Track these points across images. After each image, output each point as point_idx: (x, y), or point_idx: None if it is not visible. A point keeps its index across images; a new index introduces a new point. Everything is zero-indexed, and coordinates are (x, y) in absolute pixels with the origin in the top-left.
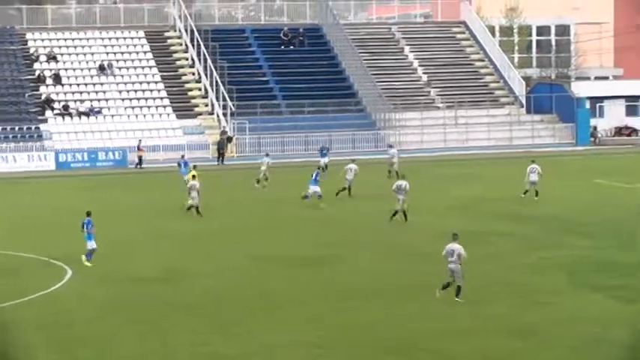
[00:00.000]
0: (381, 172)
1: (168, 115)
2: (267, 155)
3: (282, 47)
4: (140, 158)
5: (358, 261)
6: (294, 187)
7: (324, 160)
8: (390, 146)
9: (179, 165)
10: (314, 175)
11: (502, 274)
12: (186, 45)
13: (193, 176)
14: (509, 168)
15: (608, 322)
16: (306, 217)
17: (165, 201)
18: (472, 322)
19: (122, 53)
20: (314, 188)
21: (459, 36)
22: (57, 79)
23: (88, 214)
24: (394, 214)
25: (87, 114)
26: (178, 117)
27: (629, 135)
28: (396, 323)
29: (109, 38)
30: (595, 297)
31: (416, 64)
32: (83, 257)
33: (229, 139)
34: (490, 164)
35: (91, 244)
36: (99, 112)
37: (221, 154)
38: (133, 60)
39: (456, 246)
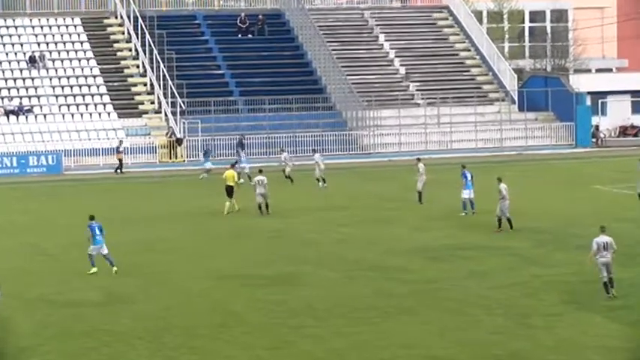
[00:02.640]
0: (353, 178)
1: (109, 114)
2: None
3: (239, 36)
4: (120, 162)
5: (321, 279)
6: (250, 197)
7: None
8: (314, 150)
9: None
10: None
11: (489, 294)
12: (128, 33)
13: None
14: (500, 174)
15: (609, 348)
16: (260, 230)
17: (109, 211)
18: (454, 350)
19: (55, 43)
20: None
21: (441, 22)
22: None
23: (92, 218)
24: None
25: (15, 113)
26: (120, 116)
27: (635, 135)
28: (367, 350)
29: (41, 26)
30: (594, 319)
31: (392, 54)
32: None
33: (179, 141)
34: (477, 169)
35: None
36: (29, 110)
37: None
38: (68, 51)
39: (606, 238)
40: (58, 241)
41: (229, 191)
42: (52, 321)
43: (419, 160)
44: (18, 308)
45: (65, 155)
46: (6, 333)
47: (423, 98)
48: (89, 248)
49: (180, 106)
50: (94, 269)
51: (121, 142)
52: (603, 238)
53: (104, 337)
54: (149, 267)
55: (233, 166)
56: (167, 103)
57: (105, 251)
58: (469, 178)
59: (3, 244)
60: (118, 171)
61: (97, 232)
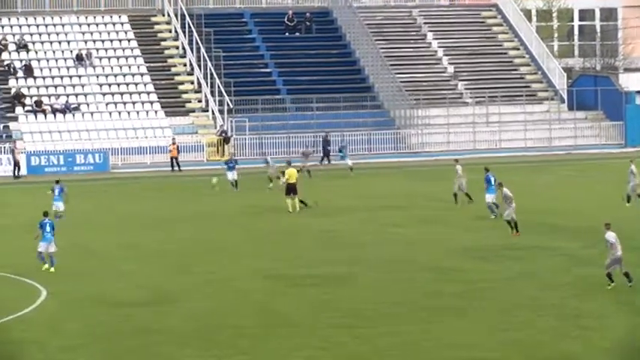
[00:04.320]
0: (401, 178)
1: (156, 112)
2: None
3: (287, 34)
4: (174, 159)
5: (371, 280)
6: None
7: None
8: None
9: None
10: None
11: (539, 295)
12: (176, 31)
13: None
14: (548, 174)
15: None
16: (309, 229)
17: (154, 212)
18: (503, 351)
19: (103, 41)
20: None
21: (490, 21)
22: (28, 71)
23: (45, 214)
24: None
25: (63, 111)
26: (167, 114)
27: None
28: (415, 350)
29: (88, 24)
30: None
31: (441, 53)
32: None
33: (226, 140)
34: (526, 169)
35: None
36: (76, 108)
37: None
38: (115, 49)
39: (613, 234)
40: (105, 240)
41: (292, 189)
42: (100, 320)
43: (457, 161)
44: (65, 308)
45: (112, 153)
46: (53, 333)
47: (471, 97)
48: (38, 245)
49: (228, 105)
50: (45, 266)
51: (174, 138)
52: (612, 234)
53: (152, 336)
54: (197, 266)
55: (290, 163)
56: (214, 101)
57: (52, 249)
58: (492, 181)
59: None
60: (175, 169)
61: (48, 229)
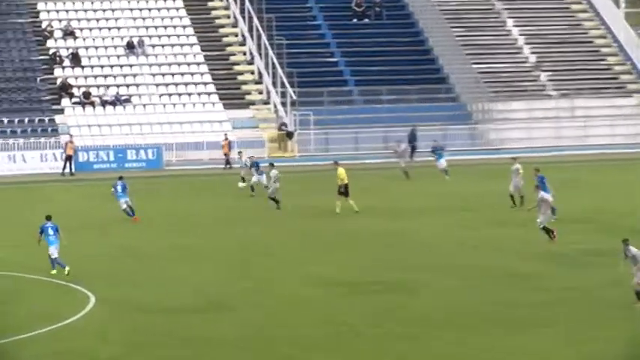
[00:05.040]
0: (477, 176)
1: (213, 104)
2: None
3: (354, 20)
4: (227, 156)
5: (441, 287)
6: (368, 195)
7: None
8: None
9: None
10: None
11: (622, 304)
12: (234, 17)
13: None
14: (637, 173)
15: None
16: (372, 232)
17: (208, 212)
18: None
19: (156, 27)
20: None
21: (574, 7)
22: (75, 59)
23: (48, 218)
24: None
25: (113, 103)
26: (226, 107)
27: None
28: None
29: (140, 9)
30: None
31: (521, 41)
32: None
33: (289, 135)
34: (614, 167)
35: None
36: (127, 100)
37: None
38: (169, 36)
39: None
40: (157, 242)
41: (343, 190)
42: (147, 328)
43: (515, 159)
44: (114, 315)
45: (166, 149)
46: (102, 342)
47: (554, 89)
48: (49, 250)
49: (291, 97)
50: (54, 271)
51: (226, 135)
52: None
53: (202, 346)
54: (251, 271)
55: (337, 163)
56: (276, 93)
57: (54, 254)
58: (545, 182)
59: (96, 245)
60: (227, 166)
61: (51, 232)
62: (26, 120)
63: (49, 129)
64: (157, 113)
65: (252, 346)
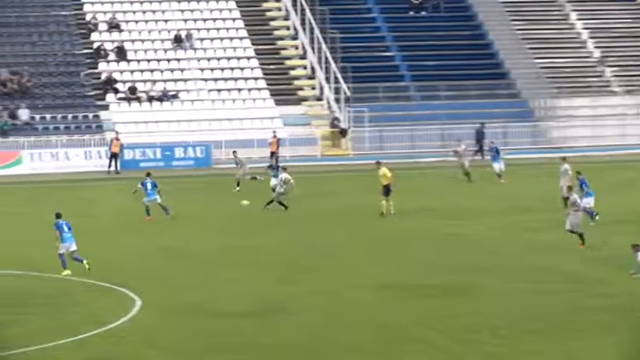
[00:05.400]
0: (540, 176)
1: (264, 100)
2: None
3: (411, 13)
4: (273, 154)
5: (504, 291)
6: (425, 195)
7: (498, 166)
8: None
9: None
10: None
11: None
12: (286, 10)
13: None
14: None
15: None
16: (431, 233)
17: (259, 212)
18: None
19: (204, 20)
20: None
21: None
22: (121, 53)
23: (58, 216)
24: None
25: (160, 99)
26: (277, 103)
27: None
28: None
29: (188, 1)
30: None
31: (585, 35)
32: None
33: (343, 132)
34: None
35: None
36: (175, 96)
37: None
38: (218, 29)
39: None
40: (204, 243)
41: (386, 191)
42: (200, 333)
43: (564, 159)
44: (162, 319)
45: (215, 147)
46: (149, 347)
47: (620, 85)
48: (59, 247)
49: (345, 93)
50: (67, 271)
51: (274, 132)
52: None
53: (256, 351)
54: (305, 273)
55: (378, 163)
56: (330, 88)
57: (73, 248)
58: (587, 185)
59: (142, 246)
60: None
61: (66, 229)
62: (70, 116)
63: (94, 125)
64: (206, 109)
65: (308, 352)
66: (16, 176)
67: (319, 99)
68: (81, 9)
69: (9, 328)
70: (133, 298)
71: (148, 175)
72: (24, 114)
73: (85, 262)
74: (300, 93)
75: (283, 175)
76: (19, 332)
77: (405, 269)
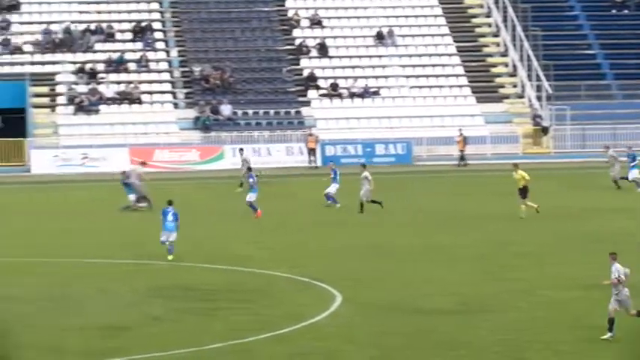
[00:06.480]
0: None
1: (465, 97)
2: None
3: (614, 11)
4: (462, 153)
5: None
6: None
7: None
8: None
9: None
10: None
11: None
12: (488, 7)
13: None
14: None
15: None
16: (632, 235)
17: (460, 210)
18: None
19: (406, 17)
20: None
21: None
22: (323, 50)
23: (170, 203)
24: None
25: (361, 95)
26: (479, 100)
27: None
28: None
29: None
30: None
31: None
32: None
33: (544, 130)
34: None
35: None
36: (376, 93)
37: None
38: (420, 26)
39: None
40: (407, 240)
41: (523, 192)
42: (400, 330)
43: (608, 147)
44: (361, 315)
45: (416, 144)
46: (347, 343)
47: None
48: (162, 234)
49: (546, 91)
50: (170, 256)
51: (460, 130)
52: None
53: (458, 349)
54: (507, 272)
55: (515, 165)
56: (531, 86)
57: (172, 238)
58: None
59: (342, 241)
60: (462, 162)
61: (170, 217)
62: (272, 112)
63: (295, 121)
64: (407, 106)
65: (507, 350)
66: (217, 171)
67: (520, 96)
68: (283, 5)
69: (213, 322)
70: (334, 293)
71: (250, 170)
72: (226, 109)
73: (170, 256)
74: (502, 90)
75: (365, 174)
76: (222, 326)
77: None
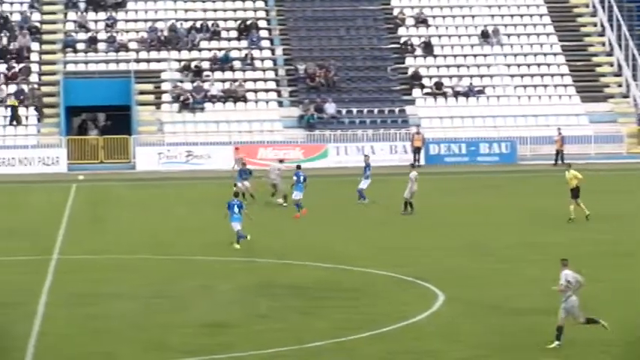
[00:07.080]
0: None
1: (570, 97)
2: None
3: None
4: (558, 152)
5: None
6: None
7: None
8: (412, 165)
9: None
10: None
11: None
12: (594, 7)
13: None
14: None
15: None
16: None
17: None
18: None
19: (512, 16)
20: None
21: None
22: (428, 48)
23: (236, 194)
24: None
25: (465, 94)
26: (583, 100)
27: None
28: None
29: None
30: None
31: None
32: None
33: None
34: None
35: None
36: (481, 92)
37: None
38: (525, 25)
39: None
40: (505, 239)
41: (575, 193)
42: (499, 329)
43: None
44: (464, 314)
45: (520, 143)
46: (449, 342)
47: None
48: (232, 225)
49: None
50: (237, 246)
51: (559, 129)
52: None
53: (563, 349)
54: (606, 273)
55: (569, 165)
56: (636, 86)
57: (238, 227)
58: None
59: (444, 241)
60: (558, 162)
61: (236, 210)
62: (376, 110)
63: (399, 120)
64: (511, 105)
65: (615, 350)
66: (321, 169)
67: (625, 96)
68: (388, 4)
69: (315, 320)
70: (436, 292)
71: (298, 167)
72: (330, 108)
73: (237, 244)
74: (607, 90)
75: (414, 174)
76: (324, 325)
77: None
